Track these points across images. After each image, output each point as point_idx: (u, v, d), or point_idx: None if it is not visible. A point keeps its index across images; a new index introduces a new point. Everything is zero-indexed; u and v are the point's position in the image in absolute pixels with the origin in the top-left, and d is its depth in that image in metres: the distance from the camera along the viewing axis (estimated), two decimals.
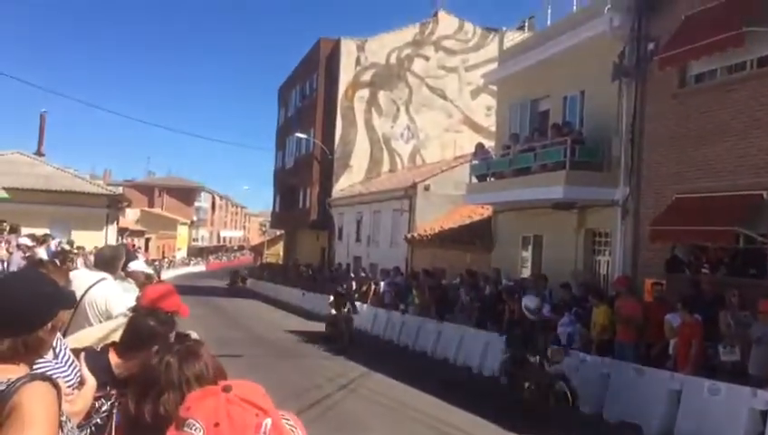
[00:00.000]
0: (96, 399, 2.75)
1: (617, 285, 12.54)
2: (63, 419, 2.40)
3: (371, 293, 22.33)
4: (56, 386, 2.23)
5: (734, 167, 11.25)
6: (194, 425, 1.24)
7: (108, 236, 27.03)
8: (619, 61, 13.69)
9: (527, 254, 17.90)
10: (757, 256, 10.98)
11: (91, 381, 2.72)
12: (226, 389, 1.29)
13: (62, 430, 2.33)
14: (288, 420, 1.34)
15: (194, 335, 3.50)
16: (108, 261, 5.21)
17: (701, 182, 11.88)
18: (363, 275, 24.73)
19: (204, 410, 1.25)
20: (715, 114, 11.73)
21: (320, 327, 21.94)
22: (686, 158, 12.30)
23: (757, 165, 10.82)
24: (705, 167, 11.86)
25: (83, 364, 2.76)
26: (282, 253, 52.63)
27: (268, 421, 1.24)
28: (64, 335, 3.75)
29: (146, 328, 2.85)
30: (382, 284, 22.05)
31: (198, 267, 75.33)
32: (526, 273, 17.41)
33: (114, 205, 29.46)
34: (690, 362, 9.72)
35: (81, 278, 4.96)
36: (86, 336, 3.29)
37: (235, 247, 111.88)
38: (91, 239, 25.05)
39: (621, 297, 11.79)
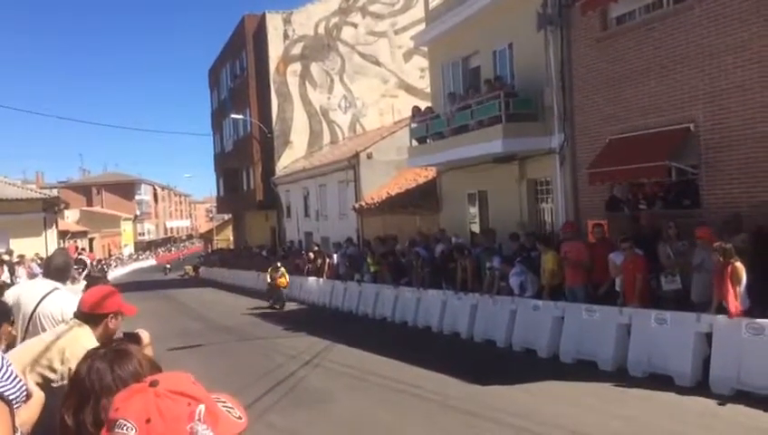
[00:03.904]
0: None
1: (565, 231, 12.84)
2: (18, 434, 2.37)
3: (326, 267, 22.36)
4: (7, 403, 2.19)
5: (660, 103, 11.59)
6: (125, 425, 1.23)
7: (48, 241, 26.18)
8: (543, 10, 13.85)
9: (474, 210, 18.17)
10: (690, 188, 11.41)
11: (37, 394, 2.67)
12: (153, 383, 1.29)
13: None
14: (224, 401, 1.35)
15: (143, 334, 3.47)
16: (61, 268, 4.93)
17: (631, 122, 12.22)
18: (316, 249, 24.68)
19: (133, 409, 1.24)
20: (638, 54, 12.01)
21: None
22: (615, 99, 12.61)
23: (682, 99, 11.17)
24: (633, 106, 12.18)
25: (29, 379, 2.71)
26: (232, 237, 52.07)
27: (201, 408, 1.24)
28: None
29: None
30: (335, 256, 22.09)
31: (148, 262, 73.90)
32: (475, 228, 17.69)
33: (50, 208, 28.45)
34: (636, 295, 10.11)
35: (32, 289, 4.70)
36: (26, 350, 3.21)
37: (184, 237, 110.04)
38: (30, 246, 24.27)
39: (567, 242, 12.11)
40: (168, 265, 55.29)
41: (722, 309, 8.60)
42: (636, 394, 8.68)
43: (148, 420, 1.22)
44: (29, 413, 2.54)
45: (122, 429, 1.23)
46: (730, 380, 8.22)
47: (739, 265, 8.44)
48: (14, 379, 2.67)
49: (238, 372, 11.38)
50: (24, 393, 2.63)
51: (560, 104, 13.94)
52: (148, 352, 3.06)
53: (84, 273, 8.65)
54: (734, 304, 8.39)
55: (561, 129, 13.98)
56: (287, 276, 22.28)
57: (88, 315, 3.29)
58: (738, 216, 9.82)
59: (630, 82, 12.19)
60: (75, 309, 3.55)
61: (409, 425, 8.08)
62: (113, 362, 1.64)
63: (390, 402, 9.16)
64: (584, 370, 10.02)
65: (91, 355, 1.70)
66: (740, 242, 8.93)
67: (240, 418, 1.32)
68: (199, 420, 1.23)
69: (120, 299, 3.40)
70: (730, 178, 10.44)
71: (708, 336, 8.75)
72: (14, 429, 2.33)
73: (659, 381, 8.98)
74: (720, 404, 7.96)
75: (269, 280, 22.56)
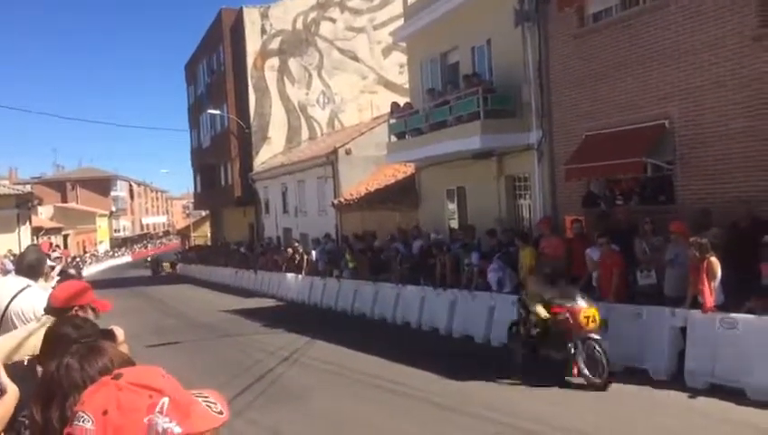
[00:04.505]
0: (26, 417, 2.64)
1: (540, 227, 12.95)
2: None
3: (305, 263, 22.26)
4: None
5: (637, 99, 11.70)
6: (82, 417, 1.24)
7: (21, 238, 25.77)
8: (520, 6, 13.90)
9: (453, 206, 18.21)
10: (665, 183, 11.54)
11: (11, 389, 2.62)
12: (116, 376, 1.30)
13: None
14: (206, 396, 1.33)
15: (118, 331, 3.41)
16: (33, 265, 4.84)
17: (608, 118, 12.31)
18: (296, 245, 24.53)
19: (94, 402, 1.25)
20: (614, 50, 12.11)
21: (256, 304, 21.82)
22: (592, 96, 12.70)
23: (658, 96, 11.29)
24: (610, 103, 12.28)
25: (2, 373, 2.65)
26: (209, 234, 51.68)
27: (165, 401, 1.23)
28: None
29: (62, 337, 2.74)
30: (314, 252, 22.01)
31: (124, 259, 73.10)
32: (454, 225, 17.74)
33: (24, 204, 28.00)
34: (613, 290, 10.20)
35: (3, 286, 4.60)
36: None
37: (161, 233, 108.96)
38: (3, 243, 23.88)
39: (545, 238, 12.20)
40: (149, 258, 54.70)
41: (696, 303, 8.71)
42: (612, 388, 8.74)
43: (105, 412, 1.22)
44: (4, 409, 2.49)
45: (80, 421, 1.24)
46: (704, 373, 8.33)
47: (714, 260, 8.55)
48: None
49: (217, 369, 11.29)
50: None
51: (537, 100, 14.02)
52: (123, 349, 3.01)
53: (56, 269, 8.52)
54: (708, 298, 8.50)
55: (539, 125, 14.06)
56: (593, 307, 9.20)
57: (59, 311, 3.23)
58: (707, 211, 9.96)
59: (607, 78, 12.29)
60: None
61: (388, 420, 8.08)
62: (83, 358, 1.61)
63: (369, 398, 9.16)
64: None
65: (65, 350, 1.66)
66: (712, 237, 9.06)
67: (221, 413, 1.30)
68: (161, 412, 1.21)
69: (92, 294, 3.34)
70: (704, 175, 10.58)
71: (683, 330, 8.86)
72: None
73: (635, 374, 9.07)
74: (694, 397, 8.07)
75: (543, 313, 9.38)
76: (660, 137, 11.22)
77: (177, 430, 1.22)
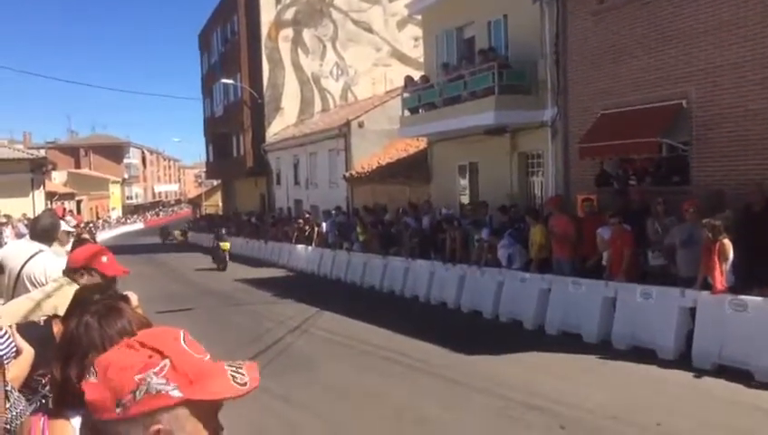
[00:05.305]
0: (42, 375, 2.70)
1: (549, 206, 12.92)
2: (8, 388, 2.38)
3: (315, 235, 22.35)
4: None
5: (654, 79, 11.57)
6: (92, 371, 1.28)
7: (35, 202, 26.01)
8: None
9: (465, 181, 18.17)
10: (680, 164, 11.46)
11: (27, 350, 2.68)
12: (131, 335, 1.34)
13: (9, 400, 2.31)
14: (237, 366, 1.31)
15: (132, 296, 3.46)
16: (48, 230, 4.89)
17: (624, 97, 12.19)
18: (307, 216, 24.58)
19: (104, 358, 1.28)
20: (633, 29, 11.95)
21: (267, 273, 21.99)
22: (608, 74, 12.56)
23: (675, 75, 11.15)
24: (627, 81, 12.15)
25: (16, 334, 2.71)
26: (221, 203, 51.89)
27: (165, 362, 1.23)
28: None
29: (88, 300, 2.78)
30: (324, 224, 22.08)
31: (136, 225, 73.58)
32: (465, 200, 17.72)
33: (38, 169, 28.21)
34: (623, 270, 10.20)
35: (18, 251, 4.68)
36: (15, 308, 3.21)
37: (173, 202, 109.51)
38: (17, 207, 24.10)
39: (554, 216, 12.17)
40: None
41: (707, 285, 8.70)
42: (619, 366, 8.81)
43: (107, 368, 1.24)
44: (19, 369, 2.55)
45: (90, 375, 1.27)
46: (712, 354, 8.35)
47: (727, 241, 8.52)
48: (3, 336, 2.67)
49: (227, 336, 11.42)
50: (14, 350, 2.63)
51: (553, 77, 13.88)
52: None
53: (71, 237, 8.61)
54: (719, 280, 8.49)
55: (554, 102, 13.95)
56: None
57: (77, 272, 3.28)
58: (721, 193, 9.89)
59: (625, 56, 12.14)
60: (61, 268, 3.55)
61: (395, 392, 8.17)
62: (102, 318, 1.64)
63: (376, 370, 9.25)
64: (569, 342, 10.15)
65: (84, 309, 1.70)
66: (724, 219, 9.01)
67: (244, 384, 1.29)
68: (157, 373, 1.21)
69: (112, 258, 3.39)
70: (720, 156, 10.49)
71: (692, 311, 8.86)
72: (5, 383, 2.33)
73: (642, 354, 9.11)
74: (701, 378, 8.11)
75: None
76: (677, 117, 11.11)
77: (176, 393, 1.20)
